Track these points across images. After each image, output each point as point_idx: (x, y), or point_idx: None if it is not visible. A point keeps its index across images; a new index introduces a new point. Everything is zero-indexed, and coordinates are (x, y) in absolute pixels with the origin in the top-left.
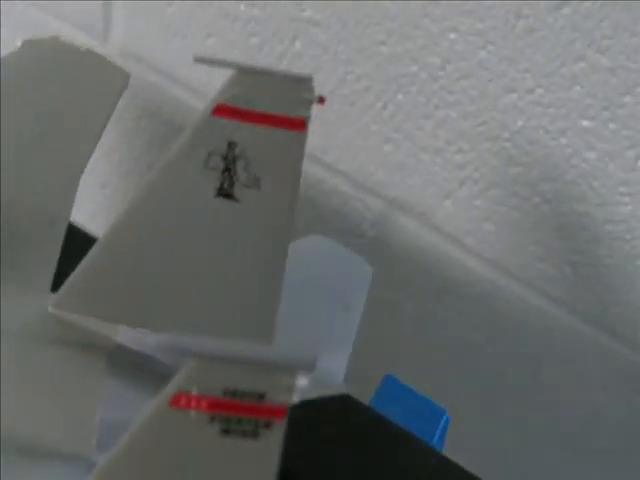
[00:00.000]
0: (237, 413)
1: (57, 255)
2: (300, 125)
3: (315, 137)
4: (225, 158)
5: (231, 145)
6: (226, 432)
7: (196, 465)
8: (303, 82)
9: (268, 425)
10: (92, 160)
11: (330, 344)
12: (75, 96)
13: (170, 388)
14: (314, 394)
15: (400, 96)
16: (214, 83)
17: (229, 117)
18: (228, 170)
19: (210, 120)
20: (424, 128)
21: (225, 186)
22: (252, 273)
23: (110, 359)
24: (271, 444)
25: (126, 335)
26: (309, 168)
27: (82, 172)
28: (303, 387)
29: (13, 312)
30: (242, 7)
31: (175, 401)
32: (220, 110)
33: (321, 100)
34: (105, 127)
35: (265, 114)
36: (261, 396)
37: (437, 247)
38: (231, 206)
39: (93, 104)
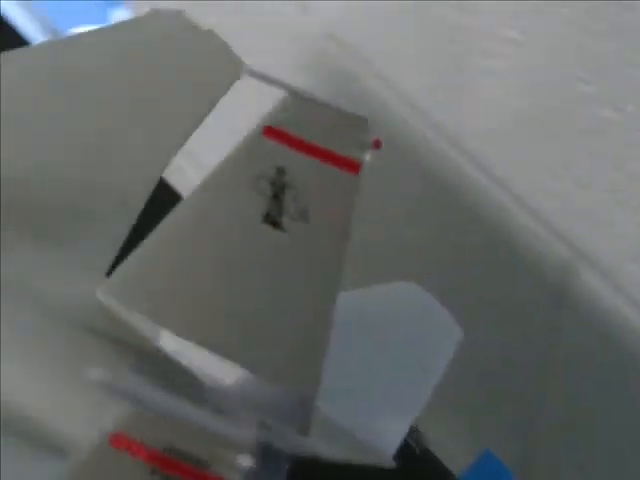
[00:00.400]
0: (178, 474)
1: (123, 237)
2: (353, 167)
3: None
4: (274, 184)
5: (280, 171)
6: None
7: None
8: (358, 121)
9: None
10: None
11: (395, 405)
12: (183, 76)
13: (112, 426)
14: (356, 457)
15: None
16: None
17: (279, 141)
18: (276, 197)
19: (260, 141)
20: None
21: (273, 213)
22: (296, 312)
23: (141, 359)
24: None
25: (168, 343)
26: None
27: (172, 156)
28: (247, 468)
29: (62, 290)
30: None
31: (116, 441)
32: (270, 132)
33: (377, 144)
34: (207, 114)
35: (315, 146)
36: (204, 464)
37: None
38: (278, 236)
39: (200, 88)
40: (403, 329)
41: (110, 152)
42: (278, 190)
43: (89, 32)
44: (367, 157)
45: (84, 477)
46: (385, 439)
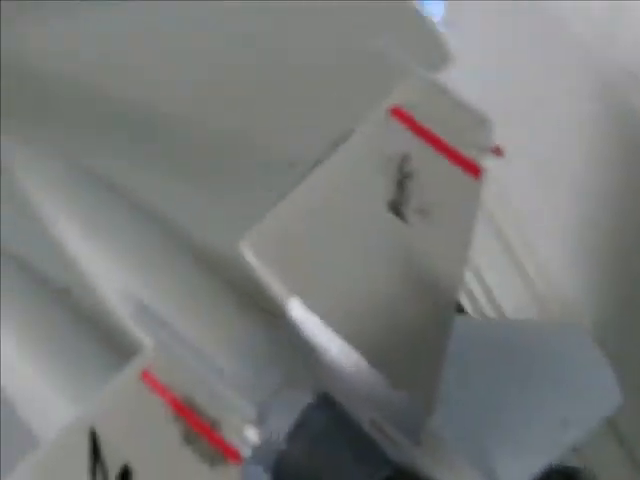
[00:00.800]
0: (196, 427)
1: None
2: (475, 171)
3: None
4: (400, 170)
5: (406, 158)
6: (187, 441)
7: (160, 448)
8: (481, 121)
9: (224, 461)
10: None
11: (520, 448)
12: None
13: (142, 359)
14: None
15: None
16: None
17: (406, 125)
18: (401, 185)
19: (387, 120)
20: None
21: (397, 202)
22: (413, 311)
23: (270, 323)
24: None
25: (299, 315)
26: None
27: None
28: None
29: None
30: None
31: (144, 375)
32: (398, 113)
33: (497, 151)
34: None
35: (441, 140)
36: (215, 423)
37: None
38: (400, 226)
39: None
40: (557, 371)
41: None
42: (404, 177)
43: None
44: (486, 162)
45: (113, 405)
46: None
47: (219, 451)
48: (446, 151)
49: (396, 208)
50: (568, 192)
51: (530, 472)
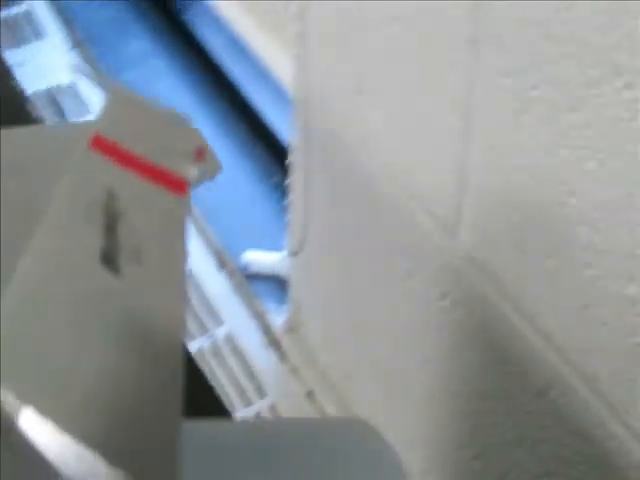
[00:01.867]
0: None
1: None
2: (180, 187)
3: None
4: (106, 212)
5: (111, 196)
6: None
7: None
8: (183, 125)
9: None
10: None
11: None
12: None
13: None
14: None
15: None
16: None
17: (108, 155)
18: (111, 229)
19: (87, 155)
20: None
21: (109, 251)
22: (141, 377)
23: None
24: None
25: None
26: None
27: None
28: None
29: None
30: (582, 228)
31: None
32: (97, 142)
33: (200, 154)
34: None
35: (143, 160)
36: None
37: None
38: (115, 280)
39: None
40: (348, 464)
41: None
42: (112, 220)
43: None
44: (193, 171)
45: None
46: None
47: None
48: (151, 173)
49: (108, 259)
50: None
51: None
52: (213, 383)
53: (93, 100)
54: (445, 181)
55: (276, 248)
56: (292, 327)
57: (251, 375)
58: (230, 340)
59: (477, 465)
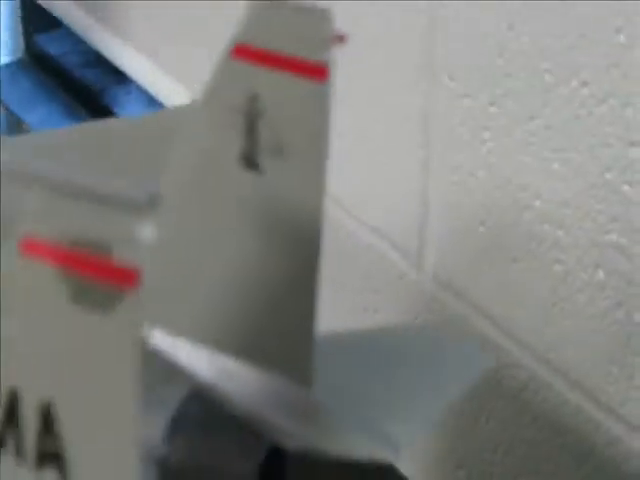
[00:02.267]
0: (85, 273)
1: None
2: (320, 73)
3: (614, 386)
4: (248, 115)
5: (252, 98)
6: (77, 299)
7: (50, 339)
8: (319, 15)
9: (120, 295)
10: None
11: (406, 413)
12: None
13: (19, 229)
14: (360, 452)
15: None
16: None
17: (249, 60)
18: (251, 131)
19: (230, 64)
20: None
21: (249, 152)
22: (283, 272)
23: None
24: (126, 319)
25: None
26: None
27: None
28: (148, 240)
29: None
30: (547, 227)
31: (24, 246)
32: (240, 52)
33: (341, 38)
34: None
35: (283, 56)
36: (107, 251)
37: None
38: (255, 178)
39: None
40: (420, 359)
41: None
42: (252, 122)
43: None
44: (331, 55)
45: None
46: (391, 440)
47: (112, 285)
48: (291, 66)
49: (248, 160)
50: None
51: (417, 433)
52: None
53: None
54: (406, 209)
55: None
56: None
57: None
58: None
59: (461, 474)
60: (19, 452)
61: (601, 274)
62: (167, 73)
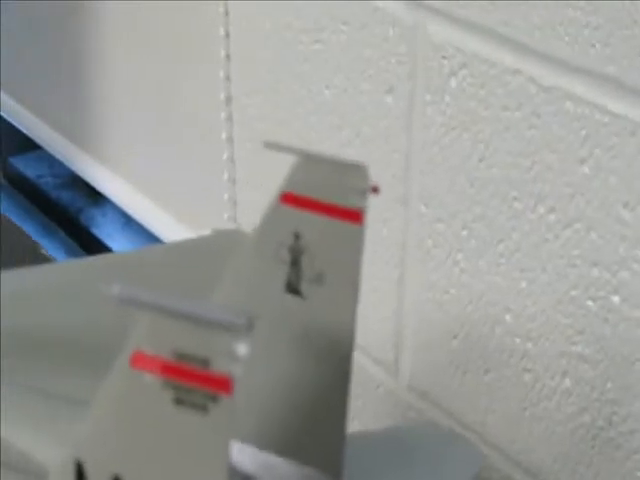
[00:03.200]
0: (186, 381)
1: None
2: (356, 217)
3: None
4: (292, 250)
5: (297, 236)
6: (178, 402)
7: (152, 434)
8: (357, 170)
9: (215, 399)
10: None
11: None
12: None
13: (129, 346)
14: None
15: None
16: None
17: (294, 205)
18: (295, 263)
19: (278, 208)
20: None
21: (293, 281)
22: (319, 382)
23: None
24: (220, 420)
25: None
26: None
27: None
28: (245, 355)
29: None
30: (517, 339)
31: (133, 360)
32: (287, 198)
33: (375, 190)
34: None
35: (323, 203)
36: (205, 362)
37: None
38: (298, 303)
39: None
40: (429, 451)
41: None
42: (297, 256)
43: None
44: (366, 203)
45: (108, 401)
46: None
47: (210, 391)
48: (331, 212)
49: (292, 287)
50: None
51: None
52: None
53: None
54: (383, 326)
55: None
56: None
57: None
58: None
59: None
60: None
61: (568, 382)
62: (143, 194)
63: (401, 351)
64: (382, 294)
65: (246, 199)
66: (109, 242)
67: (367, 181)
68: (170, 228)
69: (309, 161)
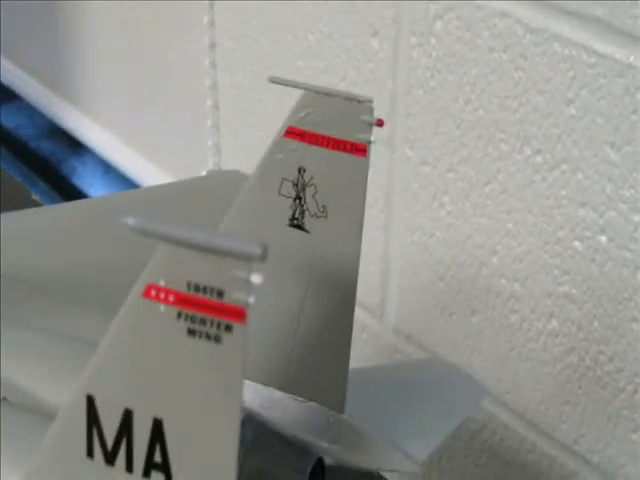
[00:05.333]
0: (200, 311)
1: None
2: (362, 150)
3: (567, 424)
4: (296, 185)
5: (301, 171)
6: (191, 332)
7: (165, 366)
8: (363, 104)
9: (229, 328)
10: None
11: (420, 433)
12: None
13: (142, 279)
14: (383, 464)
15: None
16: None
17: (299, 139)
18: (299, 198)
19: (282, 142)
20: None
21: (297, 215)
22: (322, 316)
23: None
24: (233, 349)
25: None
26: (562, 458)
27: None
28: (259, 284)
29: None
30: (503, 281)
31: (147, 292)
32: (291, 132)
33: (380, 123)
34: None
35: (329, 137)
36: (220, 293)
37: None
38: (302, 237)
39: None
40: (434, 385)
41: None
42: (300, 190)
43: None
44: (372, 137)
45: (121, 335)
46: (410, 451)
47: (224, 320)
48: (336, 145)
49: (296, 222)
50: None
51: (428, 446)
52: None
53: None
54: (369, 269)
55: None
56: None
57: None
58: None
59: None
60: (128, 466)
61: (554, 322)
62: (125, 142)
63: (387, 294)
64: (368, 238)
65: (230, 146)
66: (91, 191)
67: (372, 114)
68: (153, 176)
69: (314, 95)
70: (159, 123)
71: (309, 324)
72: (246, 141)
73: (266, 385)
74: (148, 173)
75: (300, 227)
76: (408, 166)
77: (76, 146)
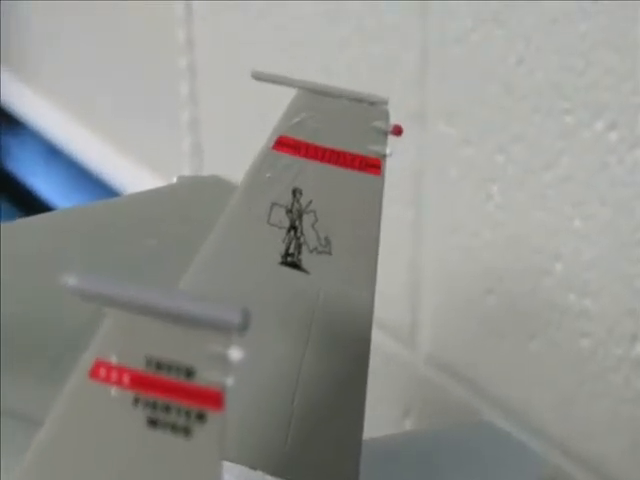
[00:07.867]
0: (163, 395)
1: None
2: (375, 166)
3: None
4: (290, 211)
5: (296, 193)
6: (153, 423)
7: (120, 466)
8: (376, 106)
9: (202, 417)
10: None
11: None
12: None
13: (89, 353)
14: None
15: None
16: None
17: (292, 153)
18: (294, 228)
19: (271, 156)
20: None
21: (291, 251)
22: (327, 380)
23: None
24: (207, 444)
25: None
26: None
27: None
28: (238, 360)
29: None
30: (571, 295)
31: (94, 371)
32: (282, 143)
33: (397, 131)
34: None
35: (331, 149)
36: (189, 372)
37: None
38: (299, 278)
39: None
40: (476, 461)
41: None
42: (295, 218)
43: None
44: (388, 149)
45: (64, 426)
46: None
47: (195, 408)
48: (341, 160)
49: (290, 260)
50: None
51: None
52: None
53: None
54: (395, 281)
55: None
56: None
57: None
58: None
59: None
60: None
61: (639, 348)
62: (69, 115)
63: (418, 314)
64: (391, 242)
65: (209, 123)
66: (31, 180)
67: (388, 120)
68: (110, 161)
69: (311, 95)
70: (118, 98)
71: (310, 390)
72: (226, 120)
73: (253, 468)
74: (104, 157)
75: (296, 266)
76: (444, 146)
77: (14, 124)
